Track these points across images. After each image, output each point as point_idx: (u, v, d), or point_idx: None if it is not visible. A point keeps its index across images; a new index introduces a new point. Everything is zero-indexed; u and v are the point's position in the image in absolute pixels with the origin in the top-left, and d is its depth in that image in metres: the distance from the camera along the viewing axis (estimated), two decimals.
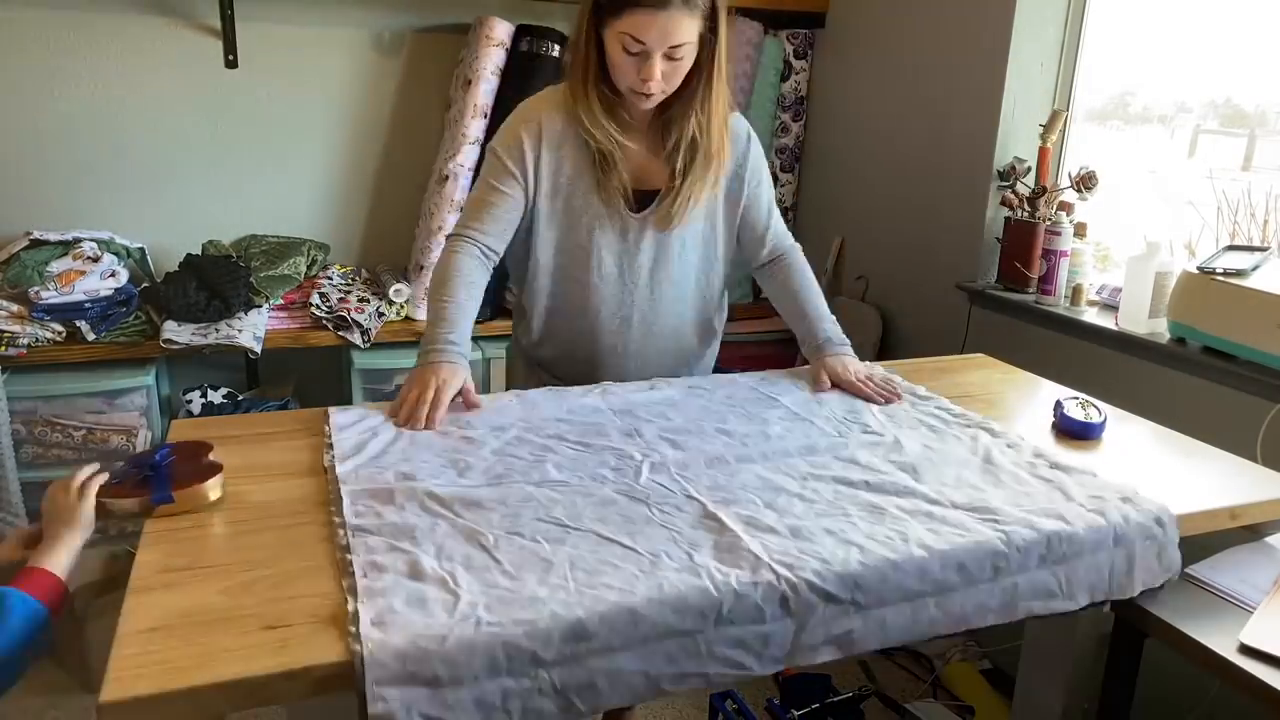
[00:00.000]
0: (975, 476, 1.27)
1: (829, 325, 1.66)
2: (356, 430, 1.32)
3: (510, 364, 1.85)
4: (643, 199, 1.58)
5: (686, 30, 1.42)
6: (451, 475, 1.20)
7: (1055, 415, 1.48)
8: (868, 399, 1.53)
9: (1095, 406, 1.48)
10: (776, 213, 1.73)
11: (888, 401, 1.53)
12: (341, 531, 1.05)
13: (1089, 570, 1.15)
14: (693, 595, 0.96)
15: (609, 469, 1.24)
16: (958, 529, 1.12)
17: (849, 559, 1.04)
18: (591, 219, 1.57)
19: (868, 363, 1.66)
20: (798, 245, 1.76)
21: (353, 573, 0.96)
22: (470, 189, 2.55)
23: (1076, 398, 1.51)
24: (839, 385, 1.58)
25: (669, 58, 1.43)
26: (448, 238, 1.56)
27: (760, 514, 1.13)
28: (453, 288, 1.50)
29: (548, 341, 1.68)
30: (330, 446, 1.27)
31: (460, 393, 1.43)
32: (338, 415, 1.38)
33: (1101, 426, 1.44)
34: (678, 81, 1.48)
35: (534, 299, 1.65)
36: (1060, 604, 1.14)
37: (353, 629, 0.87)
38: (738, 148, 1.62)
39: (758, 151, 1.67)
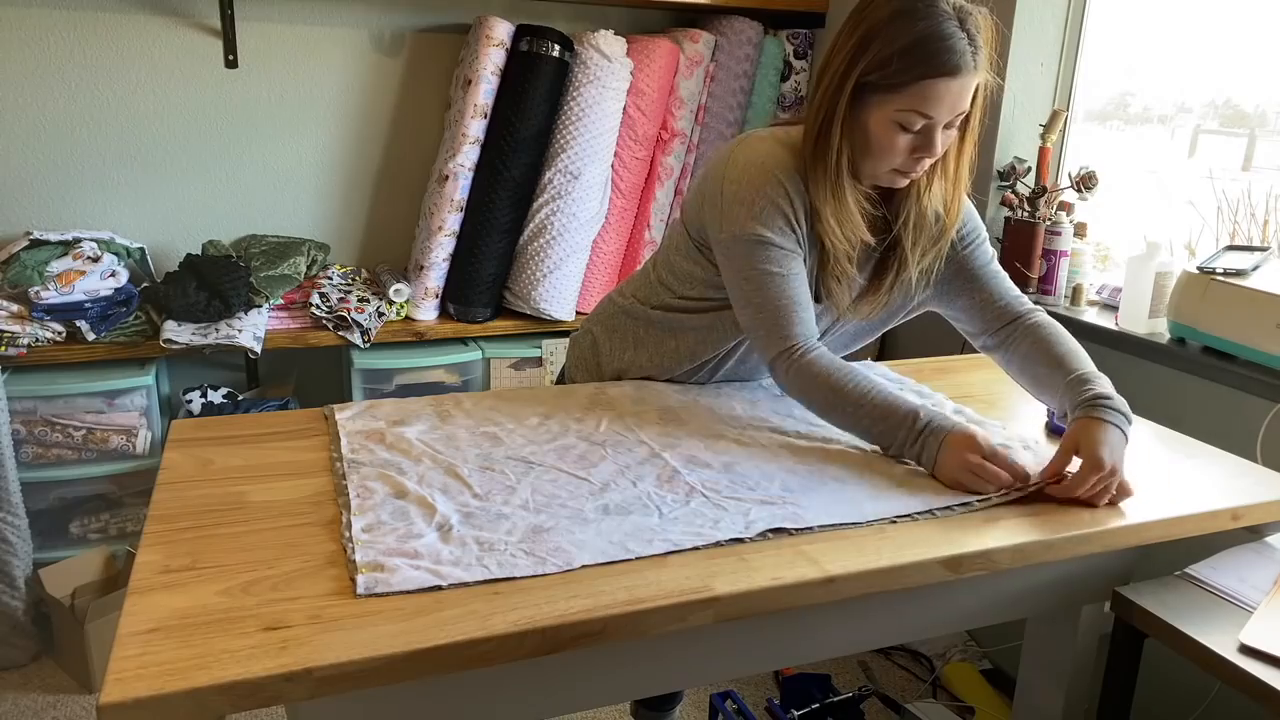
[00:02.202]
0: None
1: (1100, 382, 1.29)
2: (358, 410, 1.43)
3: (574, 359, 1.67)
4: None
5: (971, 97, 1.25)
6: (435, 421, 1.39)
7: (1048, 415, 1.48)
8: (1088, 503, 1.20)
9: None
10: (1004, 275, 1.46)
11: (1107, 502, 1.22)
12: (339, 464, 1.22)
13: None
14: (634, 507, 1.14)
15: (573, 420, 1.40)
16: (868, 468, 1.27)
17: (773, 476, 1.22)
18: None
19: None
20: (1041, 310, 1.44)
21: (348, 493, 1.13)
22: (469, 189, 2.58)
23: None
24: (1084, 460, 1.19)
25: (949, 126, 1.25)
26: (778, 357, 1.32)
27: (699, 454, 1.29)
28: (855, 385, 1.28)
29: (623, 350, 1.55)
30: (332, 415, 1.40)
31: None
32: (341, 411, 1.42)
33: None
34: (943, 151, 1.29)
35: (652, 317, 1.49)
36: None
37: (346, 534, 1.04)
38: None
39: (969, 217, 1.44)
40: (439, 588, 0.96)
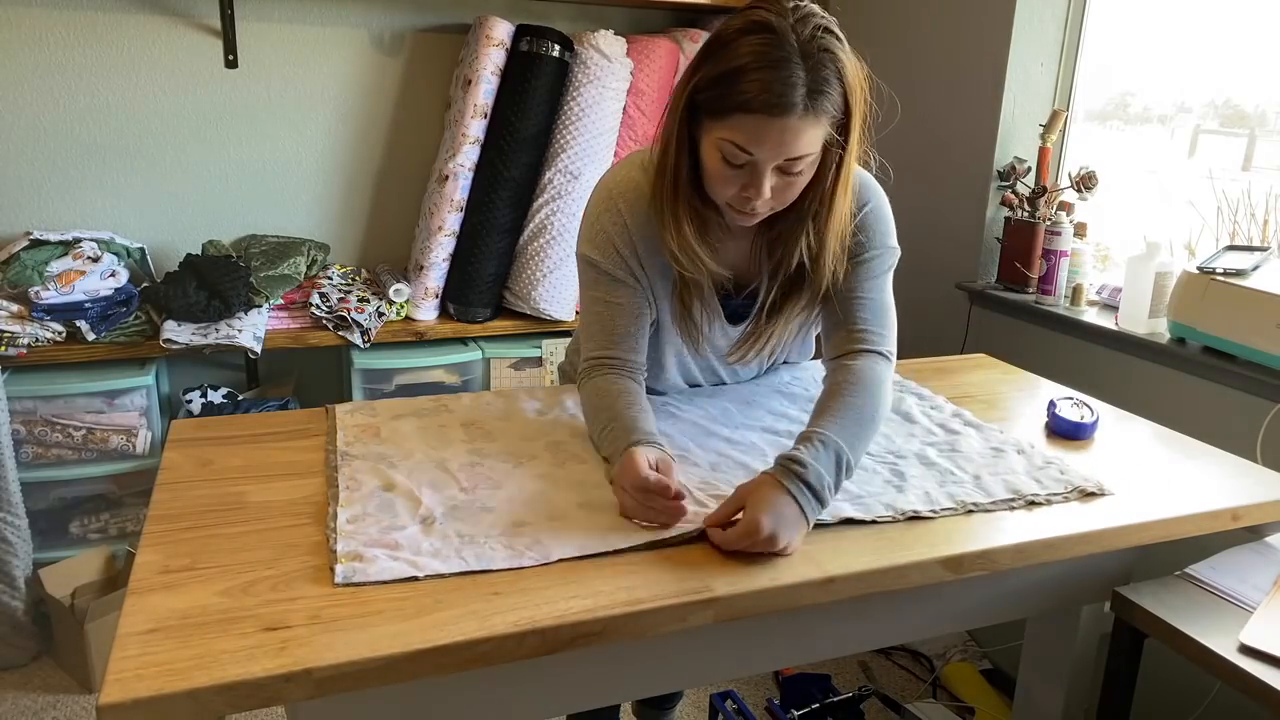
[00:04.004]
0: (891, 429, 1.41)
1: (823, 449, 1.13)
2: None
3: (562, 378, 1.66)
4: (739, 291, 1.34)
5: (809, 140, 1.11)
6: (431, 417, 1.40)
7: (1048, 415, 1.48)
8: (723, 536, 1.07)
9: (1088, 406, 1.48)
10: (877, 306, 1.32)
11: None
12: (332, 456, 1.24)
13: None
14: (616, 503, 1.14)
15: (568, 417, 1.39)
16: (858, 468, 1.25)
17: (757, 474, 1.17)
18: (667, 343, 1.38)
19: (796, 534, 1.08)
20: (885, 357, 1.30)
21: (338, 484, 1.15)
22: (469, 189, 2.58)
23: (1071, 398, 1.51)
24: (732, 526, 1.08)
25: (784, 171, 1.14)
26: (580, 371, 1.33)
27: (690, 451, 1.29)
28: (614, 408, 1.23)
29: None
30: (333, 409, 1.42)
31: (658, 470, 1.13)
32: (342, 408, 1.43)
33: (1093, 426, 1.44)
34: (792, 198, 1.19)
35: None
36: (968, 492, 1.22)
37: (331, 524, 1.06)
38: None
39: (871, 229, 1.31)
40: (415, 579, 0.97)
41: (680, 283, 1.29)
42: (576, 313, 2.72)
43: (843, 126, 1.15)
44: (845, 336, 1.31)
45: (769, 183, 1.14)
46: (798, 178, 1.16)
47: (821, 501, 1.11)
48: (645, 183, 1.27)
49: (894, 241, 1.35)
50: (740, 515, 1.07)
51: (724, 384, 1.54)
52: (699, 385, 1.52)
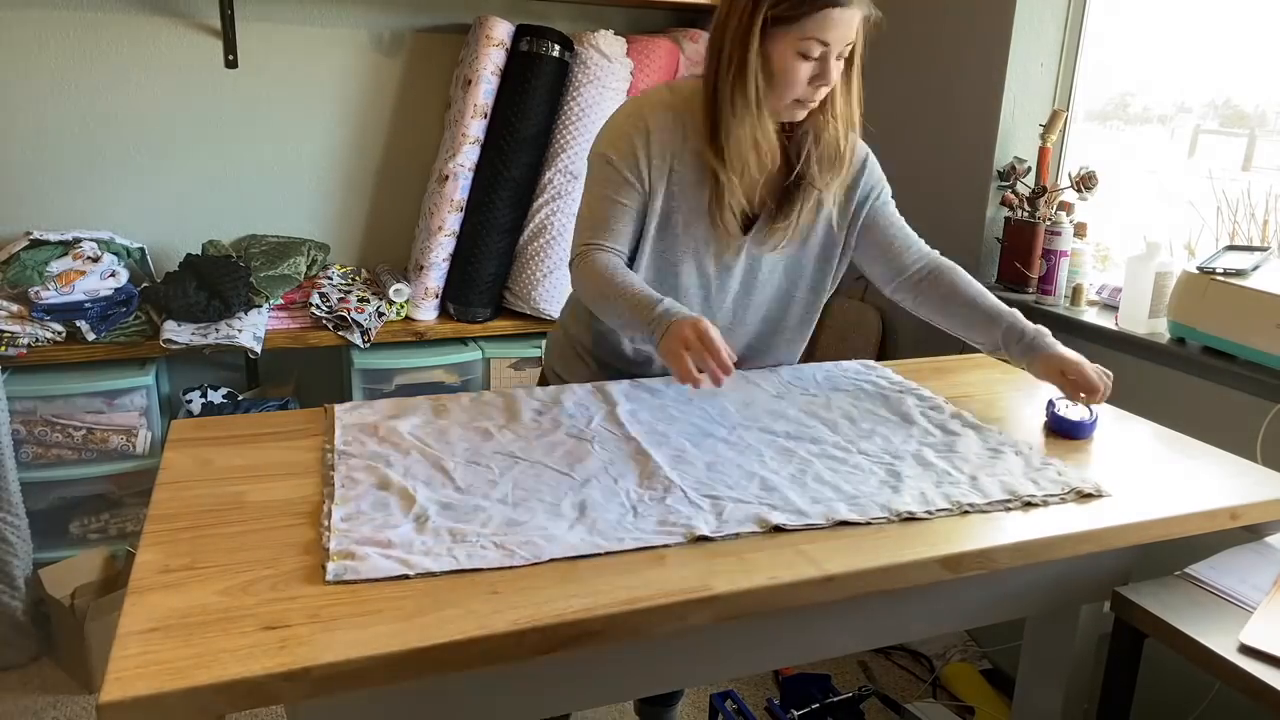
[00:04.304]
0: (889, 430, 1.41)
1: (1019, 318, 1.53)
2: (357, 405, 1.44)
3: (551, 346, 1.75)
4: (745, 221, 1.51)
5: (858, 28, 1.39)
6: (429, 416, 1.40)
7: (1048, 415, 1.48)
8: (1092, 389, 1.42)
9: (1088, 406, 1.48)
10: (909, 230, 1.63)
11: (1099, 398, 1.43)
12: (329, 455, 1.24)
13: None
14: (611, 504, 1.14)
15: (565, 416, 1.40)
16: (853, 468, 1.27)
17: (754, 476, 1.23)
18: (689, 243, 1.50)
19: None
20: (938, 253, 1.64)
21: (333, 483, 1.15)
22: (469, 189, 2.58)
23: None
24: (1079, 377, 1.43)
25: (841, 57, 1.39)
26: (576, 255, 1.45)
27: (686, 451, 1.29)
28: (623, 279, 1.39)
29: (603, 338, 1.59)
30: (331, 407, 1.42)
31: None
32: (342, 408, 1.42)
33: (1093, 426, 1.44)
34: (836, 81, 1.42)
35: None
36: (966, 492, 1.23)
37: (325, 522, 1.06)
38: (852, 167, 1.54)
39: (875, 170, 1.59)
40: (406, 577, 0.97)
41: (719, 181, 1.43)
42: None
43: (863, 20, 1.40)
44: (910, 254, 1.61)
45: (837, 69, 1.38)
46: (846, 64, 1.41)
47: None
48: (677, 103, 1.45)
49: None
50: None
51: (731, 293, 1.57)
52: (708, 292, 1.56)
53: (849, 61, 1.43)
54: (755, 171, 1.44)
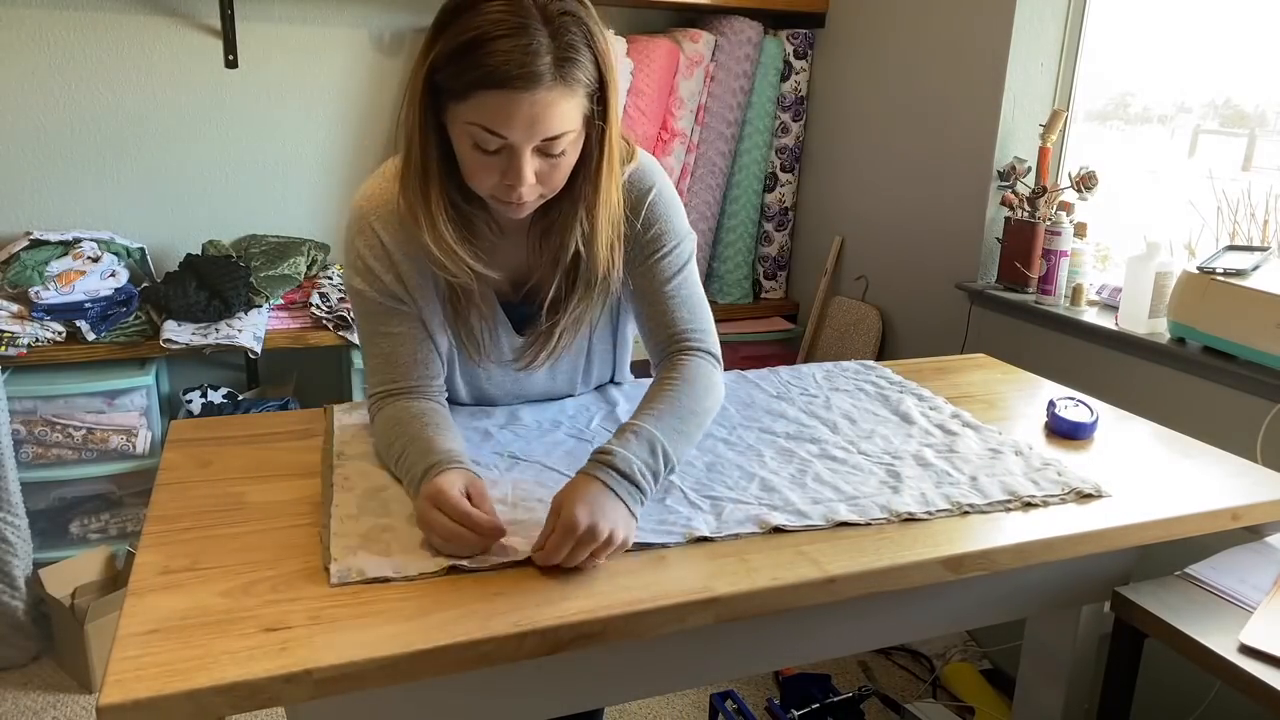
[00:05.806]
0: (889, 430, 1.40)
1: (636, 440, 1.08)
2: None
3: None
4: (527, 297, 1.25)
5: (564, 115, 1.01)
6: None
7: (1048, 415, 1.48)
8: (544, 551, 0.99)
9: (1088, 406, 1.48)
10: (691, 301, 1.26)
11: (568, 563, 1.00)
12: (330, 455, 1.23)
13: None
14: None
15: (566, 417, 1.37)
16: (853, 469, 1.26)
17: (754, 477, 1.21)
18: (452, 359, 1.28)
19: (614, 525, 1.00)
20: (711, 359, 1.26)
21: (334, 484, 1.14)
22: None
23: (1071, 398, 1.51)
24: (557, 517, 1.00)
25: (544, 153, 1.04)
26: (370, 406, 1.23)
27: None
28: (396, 438, 1.14)
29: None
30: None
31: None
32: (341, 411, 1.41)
33: (1093, 426, 1.44)
34: (560, 182, 1.08)
35: None
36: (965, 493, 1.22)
37: (324, 524, 1.05)
38: (633, 207, 1.22)
39: (658, 211, 1.23)
40: (407, 578, 0.97)
41: (450, 291, 1.18)
42: None
43: (600, 98, 1.06)
44: (666, 340, 1.26)
45: (530, 167, 1.03)
46: (562, 159, 1.05)
47: (638, 487, 1.03)
48: (393, 191, 1.15)
49: (688, 225, 1.27)
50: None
51: (524, 402, 1.38)
52: (492, 403, 1.36)
53: (588, 150, 1.08)
54: (454, 272, 1.14)
